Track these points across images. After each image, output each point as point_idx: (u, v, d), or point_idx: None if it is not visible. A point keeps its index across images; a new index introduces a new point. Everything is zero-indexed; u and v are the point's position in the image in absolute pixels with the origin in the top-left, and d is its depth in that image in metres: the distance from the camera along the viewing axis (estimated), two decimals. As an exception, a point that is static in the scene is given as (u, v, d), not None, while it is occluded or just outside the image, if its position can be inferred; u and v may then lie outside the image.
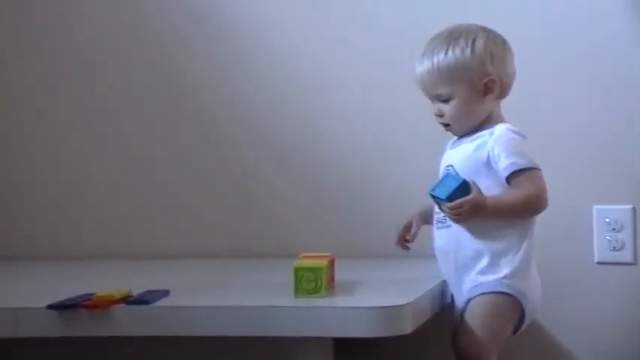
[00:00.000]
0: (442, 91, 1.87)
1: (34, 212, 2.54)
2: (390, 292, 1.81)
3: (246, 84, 2.42)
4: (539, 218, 2.11)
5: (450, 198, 1.81)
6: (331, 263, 1.80)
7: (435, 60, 1.86)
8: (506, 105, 1.96)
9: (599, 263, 2.27)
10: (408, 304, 1.66)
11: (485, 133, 1.88)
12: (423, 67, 1.88)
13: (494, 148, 1.85)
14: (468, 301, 1.86)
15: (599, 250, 2.27)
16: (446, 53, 1.86)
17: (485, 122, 1.90)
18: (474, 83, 1.87)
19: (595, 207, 2.26)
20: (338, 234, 2.29)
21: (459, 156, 1.89)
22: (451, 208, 1.80)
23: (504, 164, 1.83)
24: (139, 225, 2.48)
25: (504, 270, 1.83)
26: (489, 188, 1.84)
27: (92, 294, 1.72)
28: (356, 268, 2.04)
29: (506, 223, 1.84)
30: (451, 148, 1.94)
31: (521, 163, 1.83)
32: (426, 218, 1.98)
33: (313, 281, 1.70)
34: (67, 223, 2.52)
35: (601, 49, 2.25)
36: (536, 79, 2.23)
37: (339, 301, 1.71)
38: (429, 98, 1.92)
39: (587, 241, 2.26)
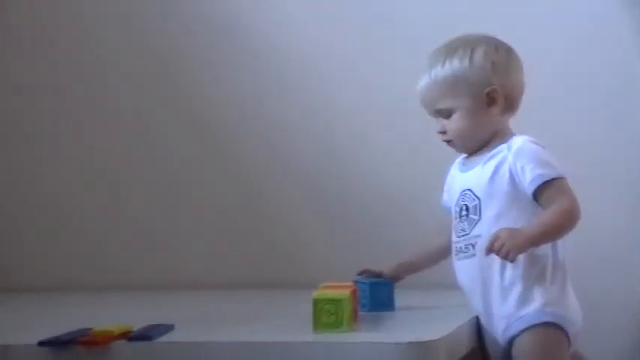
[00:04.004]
0: (443, 105, 1.89)
1: (23, 241, 2.56)
2: (420, 326, 1.79)
3: (266, 103, 2.47)
4: (583, 242, 2.09)
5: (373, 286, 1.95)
6: (354, 294, 1.79)
7: (433, 73, 1.89)
8: (550, 120, 2.05)
9: (651, 292, 2.27)
10: (441, 338, 1.64)
11: (502, 148, 1.87)
12: (422, 82, 1.91)
13: (516, 163, 1.85)
14: (512, 338, 1.84)
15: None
16: (443, 65, 1.89)
17: (495, 139, 1.90)
18: (476, 94, 1.88)
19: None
20: (361, 262, 2.18)
21: (477, 180, 1.88)
22: (491, 243, 1.79)
23: (530, 177, 1.83)
24: (141, 253, 2.51)
25: (542, 297, 1.83)
26: (516, 220, 1.83)
27: (89, 329, 1.71)
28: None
29: (546, 243, 1.83)
30: (462, 170, 1.94)
31: (548, 174, 1.83)
32: (405, 271, 2.01)
33: (334, 314, 1.68)
34: (59, 252, 2.55)
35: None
36: (579, 94, 2.29)
37: (363, 336, 1.68)
38: (432, 116, 1.93)
39: (637, 266, 2.28)
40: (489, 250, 1.79)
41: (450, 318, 1.82)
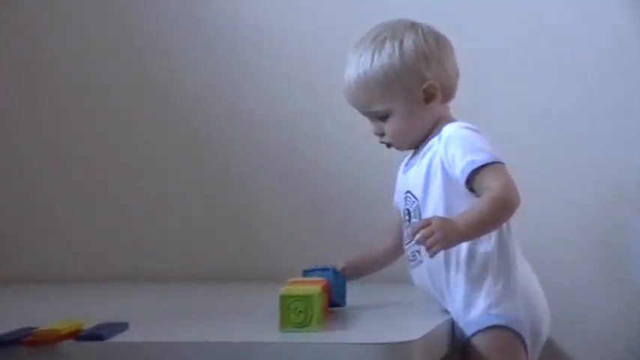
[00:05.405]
0: (377, 107, 1.82)
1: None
2: (396, 325, 1.77)
3: (241, 96, 2.44)
4: (573, 236, 2.19)
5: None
6: (325, 290, 1.75)
7: (362, 72, 1.81)
8: (536, 110, 2.12)
9: (642, 288, 2.23)
10: (418, 339, 1.61)
11: (433, 142, 1.81)
12: (349, 79, 1.83)
13: (446, 152, 1.77)
14: (467, 340, 1.79)
15: (641, 273, 2.24)
16: (372, 62, 1.80)
17: (435, 128, 1.83)
18: (412, 93, 1.81)
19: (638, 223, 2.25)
20: (334, 256, 2.14)
21: (415, 180, 1.82)
22: (421, 229, 1.69)
23: (460, 166, 1.75)
24: (104, 243, 2.49)
25: (485, 299, 1.77)
26: (462, 209, 1.74)
27: (33, 328, 1.67)
28: (355, 295, 1.96)
29: (481, 235, 1.75)
30: (404, 171, 1.88)
31: (479, 160, 1.74)
32: (359, 269, 1.94)
33: (303, 312, 1.64)
34: (10, 242, 2.53)
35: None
36: (575, 84, 2.27)
37: (335, 336, 1.65)
38: (363, 114, 1.85)
39: (627, 261, 2.24)
40: (413, 234, 1.70)
41: (428, 316, 1.80)
